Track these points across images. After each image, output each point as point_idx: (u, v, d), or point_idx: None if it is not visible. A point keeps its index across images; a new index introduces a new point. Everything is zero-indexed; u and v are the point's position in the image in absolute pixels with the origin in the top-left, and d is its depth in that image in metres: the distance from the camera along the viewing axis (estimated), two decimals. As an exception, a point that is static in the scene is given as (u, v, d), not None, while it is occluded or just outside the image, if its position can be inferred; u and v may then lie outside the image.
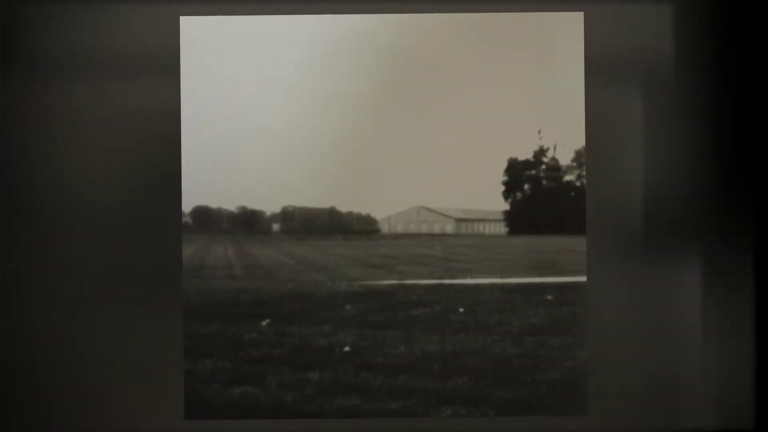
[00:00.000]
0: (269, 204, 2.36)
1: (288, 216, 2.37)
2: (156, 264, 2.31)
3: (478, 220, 2.63)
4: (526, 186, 2.52)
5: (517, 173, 2.49)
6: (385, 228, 2.43)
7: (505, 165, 2.46)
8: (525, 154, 2.47)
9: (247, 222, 2.35)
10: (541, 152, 2.48)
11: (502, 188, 2.47)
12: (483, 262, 2.59)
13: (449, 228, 2.55)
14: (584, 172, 2.36)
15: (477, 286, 2.70)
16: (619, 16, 2.31)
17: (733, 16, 2.28)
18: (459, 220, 2.62)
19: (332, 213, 2.39)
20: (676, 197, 2.32)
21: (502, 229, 2.57)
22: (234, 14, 2.32)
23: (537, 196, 2.51)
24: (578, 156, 2.41)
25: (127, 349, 2.32)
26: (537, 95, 2.43)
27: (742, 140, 2.30)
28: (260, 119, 2.41)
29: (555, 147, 2.45)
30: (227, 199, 2.36)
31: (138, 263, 2.31)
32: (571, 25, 2.34)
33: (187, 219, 2.31)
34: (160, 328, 2.32)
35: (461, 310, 2.46)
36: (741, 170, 2.31)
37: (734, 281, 2.30)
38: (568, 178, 2.46)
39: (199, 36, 2.30)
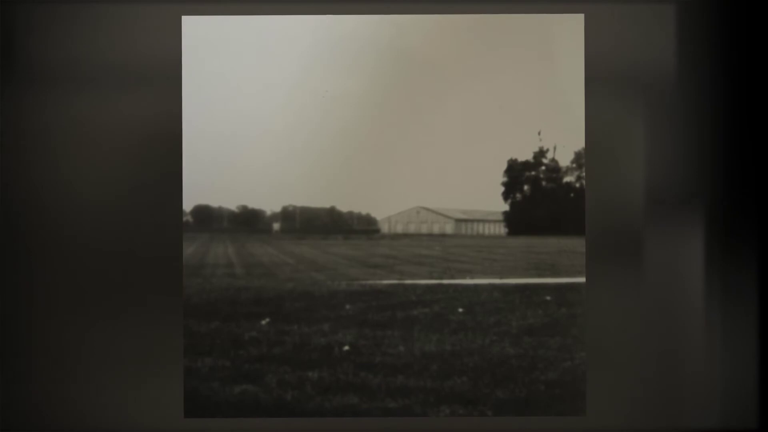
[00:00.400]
0: (270, 203, 2.37)
1: (288, 215, 2.38)
2: (156, 262, 2.32)
3: (478, 221, 2.64)
4: (525, 187, 2.53)
5: (516, 174, 2.50)
6: (385, 228, 2.44)
7: (504, 166, 2.47)
8: (525, 155, 2.47)
9: (248, 221, 2.36)
10: (540, 153, 2.49)
11: (502, 189, 2.48)
12: (482, 263, 2.60)
13: (449, 228, 2.56)
14: (584, 174, 2.36)
15: (476, 287, 2.70)
16: (620, 18, 2.32)
17: (735, 18, 2.29)
18: (459, 221, 2.63)
19: (332, 212, 2.40)
20: (676, 198, 2.32)
21: (501, 229, 2.58)
22: (235, 14, 2.33)
23: (536, 197, 2.52)
24: (578, 157, 2.42)
25: (127, 348, 2.32)
26: (537, 97, 2.43)
27: (744, 142, 2.31)
28: (261, 119, 2.42)
29: (555, 148, 2.46)
30: (228, 198, 2.37)
31: (138, 261, 2.31)
32: (571, 27, 2.34)
33: (187, 218, 2.32)
34: (160, 326, 2.33)
35: (460, 310, 2.47)
36: (743, 172, 2.31)
37: (736, 282, 2.31)
38: (567, 179, 2.46)
39: (200, 36, 2.31)
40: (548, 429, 2.32)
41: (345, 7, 2.32)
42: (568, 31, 2.34)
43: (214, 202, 2.38)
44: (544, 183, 2.42)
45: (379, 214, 2.37)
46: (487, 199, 2.44)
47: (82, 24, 2.26)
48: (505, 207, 2.42)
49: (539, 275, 2.44)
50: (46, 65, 2.27)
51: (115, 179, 2.28)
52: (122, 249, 2.29)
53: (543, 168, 2.41)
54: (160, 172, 2.29)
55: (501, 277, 2.44)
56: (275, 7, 2.31)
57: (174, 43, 2.27)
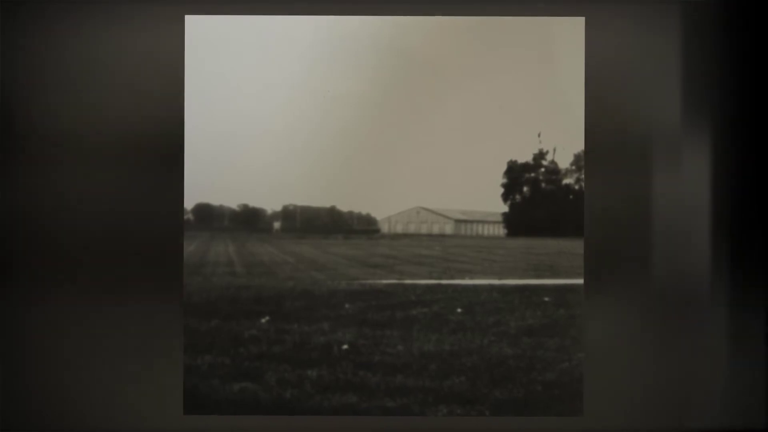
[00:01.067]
0: (270, 202, 2.38)
1: (289, 214, 2.39)
2: (157, 260, 2.33)
3: (478, 222, 2.65)
4: (525, 188, 2.54)
5: (516, 175, 2.51)
6: (385, 228, 2.45)
7: (504, 167, 2.48)
8: (524, 156, 2.48)
9: (249, 220, 2.37)
10: (540, 155, 2.50)
11: (501, 190, 2.49)
12: (482, 263, 2.61)
13: (448, 229, 2.57)
14: (583, 176, 2.38)
15: (475, 287, 2.71)
16: (621, 20, 2.32)
17: (739, 18, 2.29)
18: (458, 221, 2.64)
19: (333, 212, 2.41)
20: (677, 200, 2.33)
21: (501, 230, 2.59)
22: (237, 14, 2.34)
23: (536, 198, 2.53)
24: (577, 159, 2.43)
25: (127, 346, 2.33)
26: (537, 98, 2.45)
27: (748, 142, 2.31)
28: (262, 119, 2.43)
29: (554, 150, 2.47)
30: (229, 197, 2.38)
31: (139, 260, 2.32)
32: (571, 28, 2.35)
33: (188, 216, 2.33)
34: (160, 324, 2.34)
35: (459, 310, 2.48)
36: (744, 173, 2.32)
37: (743, 281, 2.30)
38: (566, 181, 2.48)
39: (201, 35, 2.32)
40: (546, 429, 2.33)
41: (346, 8, 2.32)
42: (569, 33, 2.36)
43: (215, 200, 2.39)
44: (543, 185, 2.43)
45: (379, 214, 2.38)
46: (487, 200, 2.45)
47: (83, 22, 2.27)
48: (505, 208, 2.43)
49: (538, 276, 2.45)
50: (48, 63, 2.28)
51: (117, 177, 2.29)
52: (123, 247, 2.29)
53: (542, 170, 2.42)
54: (162, 170, 2.29)
55: (500, 278, 2.45)
56: (276, 7, 2.32)
57: (177, 43, 2.28)
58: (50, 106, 2.28)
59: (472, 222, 2.56)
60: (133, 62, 2.29)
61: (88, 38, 2.28)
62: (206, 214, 2.37)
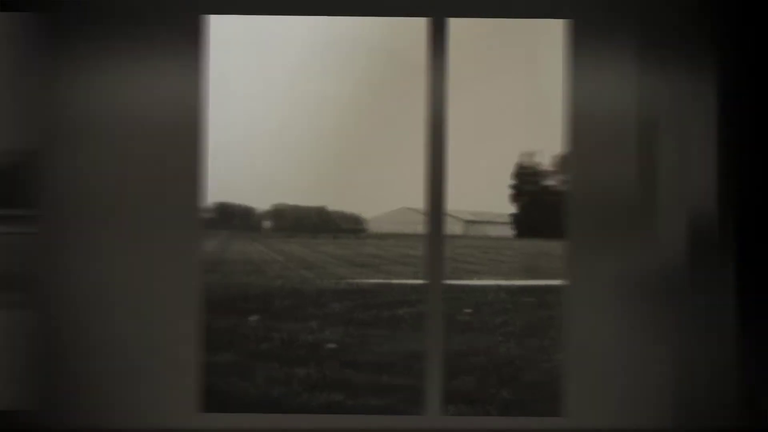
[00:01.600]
0: (260, 201, 2.43)
1: (278, 213, 2.43)
2: (162, 260, 2.40)
3: (478, 222, 2.61)
4: (525, 190, 2.49)
5: (522, 178, 2.46)
6: (372, 228, 2.45)
7: (506, 170, 2.44)
8: (525, 159, 2.43)
9: (238, 218, 2.43)
10: (540, 157, 2.45)
11: (502, 192, 2.45)
12: (488, 264, 2.57)
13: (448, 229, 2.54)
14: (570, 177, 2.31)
15: (474, 287, 2.66)
16: (615, 22, 2.25)
17: (737, 18, 2.18)
18: (467, 222, 2.60)
19: (322, 212, 2.43)
20: (672, 199, 2.24)
21: (501, 231, 2.54)
22: (233, 14, 2.40)
23: (538, 201, 2.47)
24: (564, 161, 2.38)
25: (140, 344, 2.42)
26: (537, 100, 2.39)
27: (742, 144, 2.20)
28: (254, 120, 2.49)
29: (555, 152, 2.42)
30: (221, 195, 2.45)
31: (146, 259, 2.40)
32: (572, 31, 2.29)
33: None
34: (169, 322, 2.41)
35: (468, 310, 2.45)
36: (744, 174, 2.20)
37: (718, 286, 2.20)
38: (565, 183, 2.42)
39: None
40: (544, 429, 2.27)
41: (340, 9, 2.35)
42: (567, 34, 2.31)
43: (207, 199, 2.47)
44: (543, 186, 2.38)
45: (367, 213, 2.39)
46: (486, 200, 2.42)
47: (88, 23, 2.37)
48: (505, 210, 2.39)
49: (534, 277, 2.40)
50: (61, 65, 2.40)
51: (119, 177, 2.38)
52: (123, 246, 2.39)
53: (542, 171, 2.38)
54: (162, 169, 2.37)
55: (506, 278, 2.41)
56: (272, 7, 2.37)
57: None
58: (64, 108, 2.40)
59: (476, 222, 2.53)
60: (146, 65, 2.38)
61: (92, 38, 2.38)
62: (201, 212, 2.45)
